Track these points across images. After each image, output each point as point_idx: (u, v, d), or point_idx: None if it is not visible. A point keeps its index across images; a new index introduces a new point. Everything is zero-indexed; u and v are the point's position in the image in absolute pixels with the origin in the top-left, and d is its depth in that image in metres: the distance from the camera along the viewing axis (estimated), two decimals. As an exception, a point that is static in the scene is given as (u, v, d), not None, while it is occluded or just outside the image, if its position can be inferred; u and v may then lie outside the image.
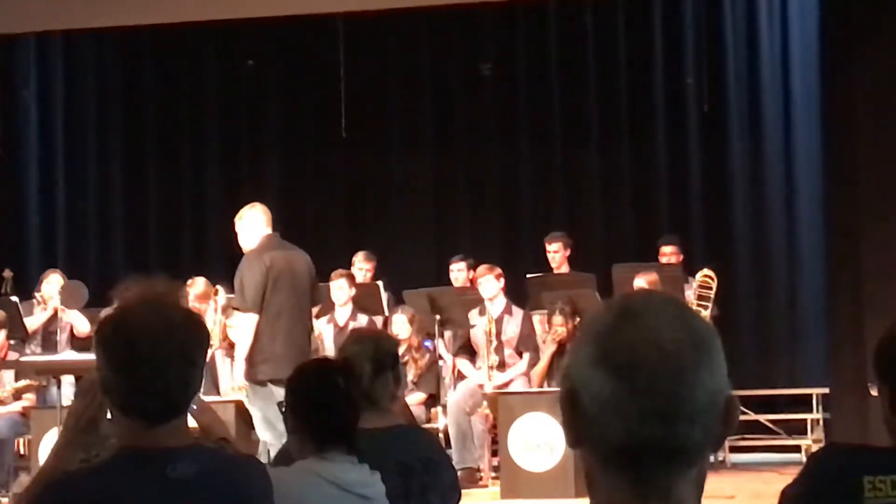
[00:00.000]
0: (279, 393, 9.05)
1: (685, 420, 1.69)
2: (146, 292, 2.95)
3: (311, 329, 9.81)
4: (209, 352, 6.48)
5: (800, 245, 13.96)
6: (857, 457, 3.32)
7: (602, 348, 1.71)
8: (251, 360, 9.05)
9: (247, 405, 9.34)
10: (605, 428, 1.70)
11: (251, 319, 9.06)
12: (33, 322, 11.73)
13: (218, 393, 10.66)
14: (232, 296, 10.03)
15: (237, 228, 9.40)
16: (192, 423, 3.23)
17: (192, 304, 11.17)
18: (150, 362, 2.84)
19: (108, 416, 3.08)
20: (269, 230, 9.32)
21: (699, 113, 14.20)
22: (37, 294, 11.97)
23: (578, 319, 11.13)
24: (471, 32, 14.84)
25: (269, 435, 8.94)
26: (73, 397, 3.31)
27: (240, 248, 9.39)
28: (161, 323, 2.87)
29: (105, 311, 7.67)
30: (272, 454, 6.77)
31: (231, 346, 10.65)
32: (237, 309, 9.19)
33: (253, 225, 9.32)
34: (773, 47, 14.22)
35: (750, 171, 14.23)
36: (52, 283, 11.94)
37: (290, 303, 9.17)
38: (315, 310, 9.83)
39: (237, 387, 10.03)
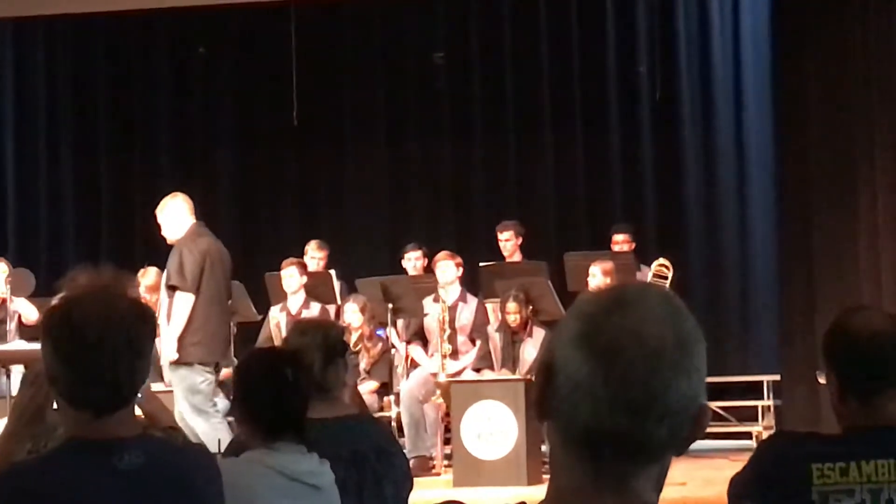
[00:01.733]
0: (201, 376, 9.11)
1: (654, 417, 1.70)
2: (93, 282, 2.93)
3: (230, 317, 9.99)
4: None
5: (752, 234, 14.02)
6: (806, 444, 3.34)
7: (587, 330, 1.72)
8: (182, 340, 9.07)
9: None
10: (574, 409, 1.70)
11: (189, 300, 9.11)
12: None
13: (163, 381, 10.59)
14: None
15: (160, 220, 9.50)
16: (138, 412, 3.21)
17: (144, 294, 11.13)
18: (96, 352, 2.82)
19: (55, 406, 3.05)
20: (193, 219, 9.42)
21: (651, 101, 14.24)
22: None
23: (532, 308, 11.14)
24: (424, 21, 14.82)
25: (202, 422, 8.94)
26: (19, 387, 3.29)
27: (164, 239, 9.49)
28: (108, 313, 2.84)
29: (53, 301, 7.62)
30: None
31: None
32: (176, 288, 9.17)
33: (177, 214, 9.43)
34: (724, 36, 14.27)
35: (702, 160, 14.27)
36: None
37: (219, 289, 9.30)
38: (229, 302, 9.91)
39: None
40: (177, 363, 9.16)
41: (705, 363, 1.74)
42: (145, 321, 2.93)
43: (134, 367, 2.87)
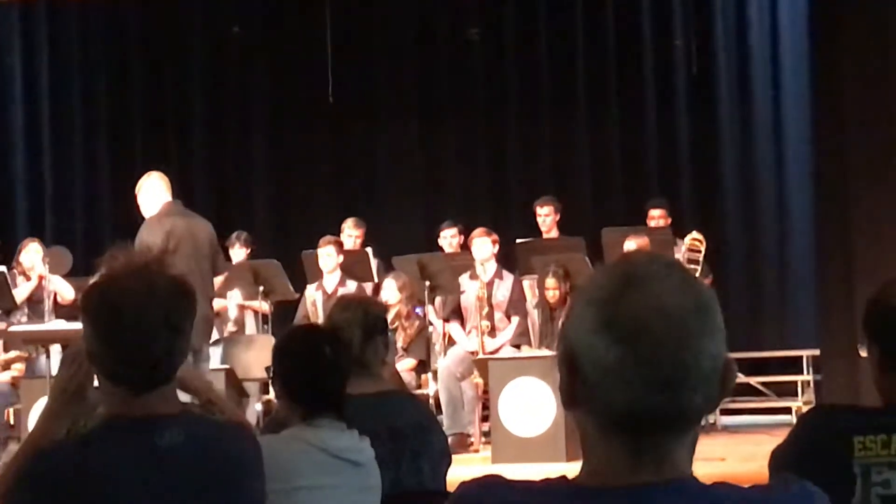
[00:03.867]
0: None
1: (689, 387, 1.69)
2: (131, 260, 2.93)
3: (213, 296, 9.73)
4: None
5: (789, 207, 13.96)
6: (847, 417, 3.32)
7: (606, 314, 1.70)
8: None
9: None
10: (608, 394, 1.70)
11: None
12: (19, 293, 11.66)
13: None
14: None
15: (138, 200, 9.40)
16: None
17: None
18: (135, 331, 2.82)
19: (95, 384, 3.06)
20: (168, 197, 9.33)
21: (688, 76, 14.18)
22: (16, 265, 11.86)
23: (570, 284, 11.11)
24: (458, -3, 14.80)
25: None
26: (59, 366, 3.29)
27: (142, 218, 9.37)
28: (146, 291, 2.84)
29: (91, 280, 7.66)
30: None
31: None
32: None
33: (152, 193, 9.34)
34: (761, 8, 14.19)
35: (739, 135, 14.21)
36: (31, 252, 11.86)
37: (188, 268, 9.07)
38: (218, 280, 9.73)
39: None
40: None
41: (722, 320, 1.73)
42: (184, 298, 2.92)
43: (173, 344, 2.88)
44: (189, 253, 9.05)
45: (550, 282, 11.14)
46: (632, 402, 1.69)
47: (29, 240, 12.21)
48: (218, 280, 9.70)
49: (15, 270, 11.80)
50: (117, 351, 2.86)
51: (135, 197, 9.47)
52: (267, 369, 4.28)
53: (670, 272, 1.73)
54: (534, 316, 11.55)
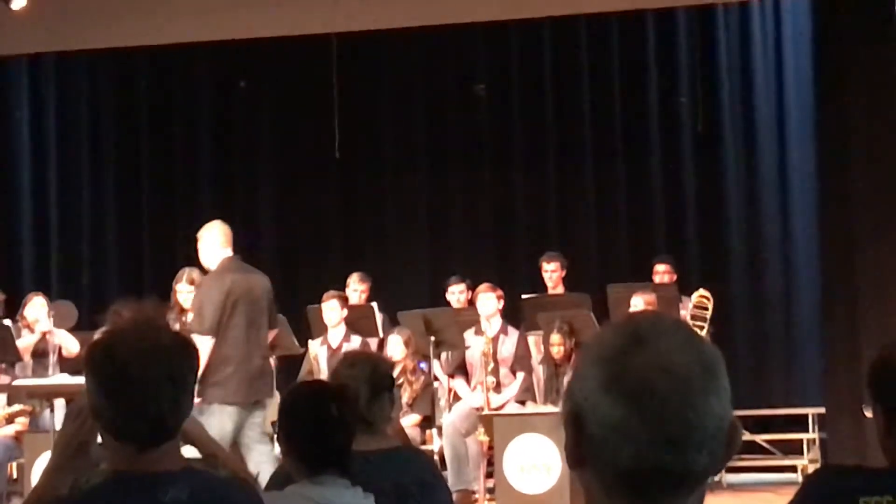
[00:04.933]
0: (227, 417, 9.05)
1: (694, 446, 1.69)
2: (135, 315, 2.93)
3: (268, 353, 9.81)
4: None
5: (795, 264, 13.96)
6: (853, 478, 3.30)
7: (611, 373, 1.70)
8: (204, 381, 8.99)
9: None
10: (614, 453, 1.69)
11: (206, 342, 8.99)
12: (22, 344, 11.65)
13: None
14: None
15: (199, 247, 9.47)
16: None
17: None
18: (139, 387, 2.82)
19: (99, 440, 3.05)
20: (228, 251, 9.38)
21: (693, 132, 14.21)
22: (20, 319, 11.85)
23: (575, 340, 11.10)
24: (464, 53, 14.84)
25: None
26: (63, 421, 3.29)
27: (202, 267, 9.51)
28: (150, 346, 2.84)
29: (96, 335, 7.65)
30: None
31: None
32: (193, 332, 9.11)
33: (213, 245, 9.38)
34: (766, 66, 14.23)
35: (744, 191, 14.23)
36: (37, 306, 11.86)
37: (245, 326, 9.20)
38: (271, 334, 9.78)
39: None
40: (199, 405, 9.09)
41: (727, 380, 1.73)
42: (188, 354, 2.93)
43: (178, 400, 2.87)
44: (246, 311, 9.18)
45: (555, 338, 11.13)
46: (637, 461, 1.68)
47: (34, 294, 12.20)
48: (271, 334, 9.73)
49: (19, 324, 11.80)
50: (121, 406, 2.85)
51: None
52: (273, 424, 4.27)
53: (676, 331, 1.73)
54: (538, 372, 11.53)
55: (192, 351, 2.96)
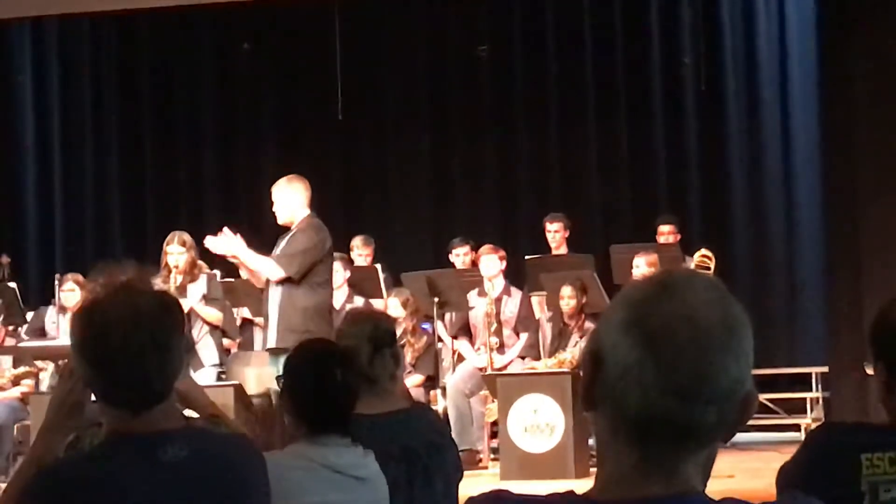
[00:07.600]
0: None
1: (703, 401, 1.69)
2: (113, 281, 2.89)
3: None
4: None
5: (798, 224, 13.95)
6: (855, 434, 3.31)
7: (636, 315, 1.71)
8: (287, 327, 8.90)
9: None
10: (623, 394, 1.70)
11: (279, 276, 8.90)
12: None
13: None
14: None
15: (275, 197, 9.16)
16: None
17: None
18: (123, 354, 2.79)
19: (94, 398, 3.04)
20: (308, 210, 9.19)
21: (696, 92, 14.18)
22: (55, 303, 11.62)
23: (584, 299, 11.08)
24: (467, 14, 14.81)
25: None
26: (56, 381, 3.28)
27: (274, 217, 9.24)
28: (130, 313, 2.80)
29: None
30: None
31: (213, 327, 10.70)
32: (282, 266, 8.95)
33: (296, 201, 9.12)
34: (769, 24, 14.20)
35: (748, 151, 14.21)
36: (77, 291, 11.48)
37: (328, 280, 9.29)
38: None
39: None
40: (275, 351, 8.92)
41: (752, 348, 1.72)
42: (171, 316, 2.89)
43: (163, 362, 2.84)
44: (330, 268, 9.34)
45: (567, 290, 11.07)
46: (644, 405, 1.69)
47: (71, 275, 11.70)
48: None
49: (53, 308, 11.59)
50: (108, 375, 2.83)
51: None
52: (278, 379, 4.28)
53: (707, 288, 1.74)
54: (545, 330, 11.54)
55: (175, 311, 2.91)
